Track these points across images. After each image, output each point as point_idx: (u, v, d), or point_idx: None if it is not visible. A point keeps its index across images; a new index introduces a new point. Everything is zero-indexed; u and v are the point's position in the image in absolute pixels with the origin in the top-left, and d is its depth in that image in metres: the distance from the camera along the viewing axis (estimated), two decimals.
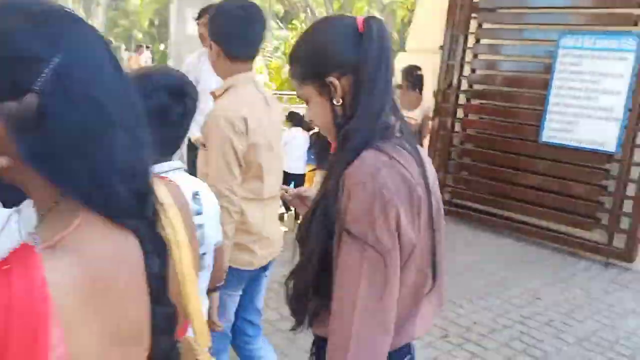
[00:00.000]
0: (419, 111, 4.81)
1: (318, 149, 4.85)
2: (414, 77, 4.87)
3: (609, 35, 4.61)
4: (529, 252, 4.95)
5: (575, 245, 4.93)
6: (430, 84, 5.72)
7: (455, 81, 5.67)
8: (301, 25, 21.35)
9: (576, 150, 4.83)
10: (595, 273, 4.56)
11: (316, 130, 5.83)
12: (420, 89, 4.90)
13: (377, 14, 23.70)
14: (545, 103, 4.98)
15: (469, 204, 5.66)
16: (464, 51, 5.64)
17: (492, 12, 5.54)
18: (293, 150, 5.06)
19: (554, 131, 4.94)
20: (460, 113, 5.76)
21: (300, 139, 5.18)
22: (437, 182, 1.18)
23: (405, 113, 4.83)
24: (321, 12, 22.32)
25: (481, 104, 5.69)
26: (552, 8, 5.06)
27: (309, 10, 20.89)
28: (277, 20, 25.10)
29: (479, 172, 5.59)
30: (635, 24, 4.49)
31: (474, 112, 5.72)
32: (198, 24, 3.77)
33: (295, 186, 5.20)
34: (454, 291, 3.93)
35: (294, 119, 5.23)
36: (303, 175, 5.23)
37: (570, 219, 4.93)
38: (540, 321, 3.57)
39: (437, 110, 5.78)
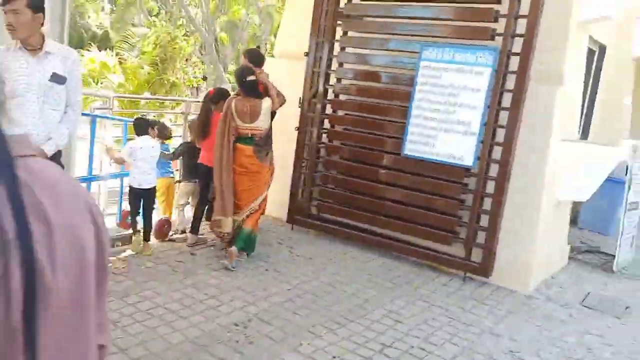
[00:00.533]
0: (263, 118, 4.45)
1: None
2: (245, 83, 4.46)
3: (467, 49, 4.63)
4: (392, 268, 4.84)
5: (436, 260, 4.91)
6: (296, 92, 5.45)
7: (321, 90, 5.45)
8: (161, 22, 20.30)
9: (436, 164, 4.82)
10: (454, 288, 4.53)
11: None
12: (256, 95, 4.46)
13: (255, 17, 23.36)
14: (407, 116, 4.92)
15: (336, 218, 5.46)
16: (329, 59, 5.44)
17: (357, 19, 5.40)
18: (141, 161, 4.44)
19: (415, 144, 4.89)
20: (327, 123, 5.55)
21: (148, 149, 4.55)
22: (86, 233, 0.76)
23: (243, 124, 4.43)
24: (197, 13, 21.44)
25: (347, 114, 5.52)
26: (416, 19, 5.01)
27: (183, 10, 19.87)
28: (150, 17, 23.75)
29: (346, 185, 5.41)
30: (492, 39, 4.55)
31: (340, 123, 5.53)
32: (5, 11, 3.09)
33: (145, 204, 4.64)
34: (315, 318, 3.65)
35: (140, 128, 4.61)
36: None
37: (431, 234, 4.90)
38: (401, 349, 3.39)
39: (303, 120, 5.52)
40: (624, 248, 5.63)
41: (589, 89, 6.71)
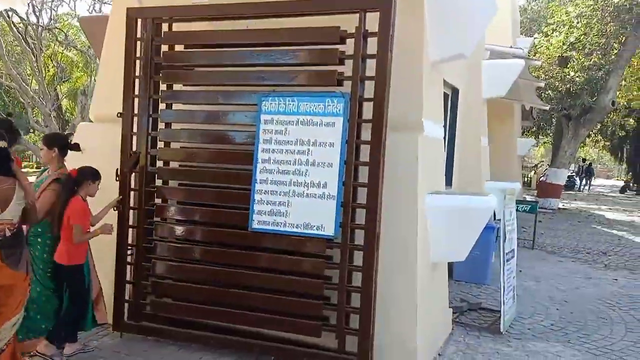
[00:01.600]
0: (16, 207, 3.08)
1: None
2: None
3: (312, 97, 3.89)
4: None
5: (306, 357, 3.94)
6: (110, 161, 4.31)
7: (143, 155, 4.35)
8: None
9: (291, 237, 3.92)
10: None
11: None
12: (5, 172, 3.05)
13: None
14: (252, 182, 4.01)
15: (178, 317, 4.29)
16: (153, 119, 4.40)
17: (181, 70, 4.46)
18: None
19: (263, 215, 3.97)
20: (158, 198, 4.45)
21: None
22: None
23: None
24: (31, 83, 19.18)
25: (180, 184, 4.48)
26: (252, 66, 4.19)
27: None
28: None
29: (184, 274, 4.29)
30: (340, 84, 3.86)
31: (172, 196, 4.44)
32: None
33: None
34: None
35: None
36: None
37: (296, 324, 3.94)
38: None
39: (124, 196, 4.36)
40: (508, 303, 5.12)
41: (447, 133, 6.38)
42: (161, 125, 4.44)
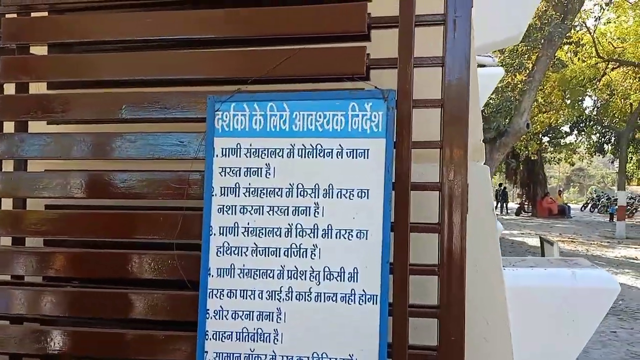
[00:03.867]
0: None
1: None
2: None
3: (322, 100, 1.98)
4: None
5: None
6: None
7: None
8: None
9: None
10: None
11: None
12: None
13: None
14: (201, 277, 2.00)
15: None
16: None
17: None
18: None
19: (229, 342, 1.96)
20: None
21: None
22: None
23: None
24: None
25: None
26: (187, 41, 2.20)
27: None
28: None
29: None
30: (367, 77, 2.01)
31: None
32: None
33: None
34: None
35: None
36: None
37: None
38: None
39: None
40: None
41: None
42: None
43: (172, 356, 1.97)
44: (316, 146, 1.94)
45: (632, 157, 32.72)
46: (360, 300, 1.91)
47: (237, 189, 1.97)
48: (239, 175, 1.98)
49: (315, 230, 1.94)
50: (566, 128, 31.89)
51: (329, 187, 1.93)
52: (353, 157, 1.92)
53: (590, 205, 36.46)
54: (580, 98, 25.12)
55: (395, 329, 1.89)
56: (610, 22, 23.21)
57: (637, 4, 19.39)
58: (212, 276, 1.97)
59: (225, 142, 1.99)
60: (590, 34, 21.29)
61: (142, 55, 2.10)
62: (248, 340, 1.95)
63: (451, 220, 1.89)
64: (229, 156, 1.99)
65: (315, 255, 1.94)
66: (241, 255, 1.97)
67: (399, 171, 1.89)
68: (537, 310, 2.53)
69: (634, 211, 32.13)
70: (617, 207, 21.78)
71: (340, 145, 1.93)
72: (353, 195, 1.92)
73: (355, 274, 1.92)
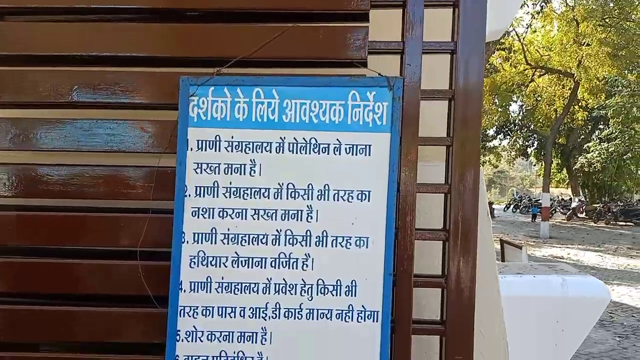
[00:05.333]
0: None
1: None
2: None
3: (316, 87, 1.72)
4: None
5: None
6: None
7: None
8: None
9: None
10: None
11: None
12: None
13: None
14: (171, 292, 1.69)
15: None
16: None
17: None
18: None
19: None
20: None
21: None
22: None
23: None
24: None
25: None
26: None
27: None
28: None
29: None
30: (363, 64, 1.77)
31: None
32: None
33: None
34: None
35: None
36: None
37: None
38: None
39: None
40: None
41: None
42: None
43: None
44: (310, 140, 1.68)
45: (551, 161, 34.60)
46: (359, 317, 1.67)
47: (216, 189, 1.68)
48: (218, 173, 1.68)
49: (308, 238, 1.68)
50: (491, 132, 33.16)
51: (324, 187, 1.68)
52: (353, 154, 1.68)
53: (512, 205, 38.15)
54: (508, 103, 26.20)
55: (398, 349, 1.67)
56: (535, 32, 24.37)
57: (564, 15, 20.43)
58: (184, 291, 1.66)
59: (201, 134, 1.69)
60: (519, 41, 22.22)
61: (100, 26, 1.75)
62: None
63: (459, 227, 1.69)
64: (205, 150, 1.68)
65: (307, 266, 1.68)
66: (220, 266, 1.67)
67: (405, 171, 1.67)
68: (526, 320, 2.40)
69: (553, 212, 34.02)
70: (540, 208, 22.87)
71: (338, 139, 1.68)
72: (352, 198, 1.68)
73: (354, 288, 1.68)
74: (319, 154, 1.68)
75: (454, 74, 1.70)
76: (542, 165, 32.00)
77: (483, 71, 1.69)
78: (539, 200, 28.73)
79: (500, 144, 36.81)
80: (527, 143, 33.23)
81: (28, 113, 1.76)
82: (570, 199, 32.64)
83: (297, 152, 1.68)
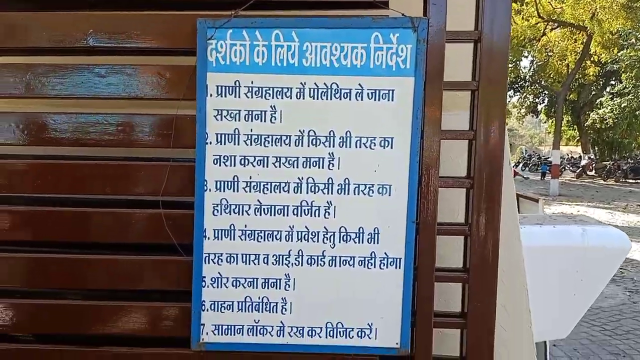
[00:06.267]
0: None
1: None
2: None
3: (337, 28, 1.66)
4: None
5: None
6: None
7: None
8: None
9: (297, 355, 1.71)
10: None
11: None
12: None
13: None
14: (195, 239, 1.69)
15: None
16: None
17: None
18: None
19: (228, 314, 1.69)
20: None
21: None
22: None
23: None
24: None
25: None
26: None
27: None
28: None
29: None
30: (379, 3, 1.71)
31: None
32: None
33: None
34: None
35: None
36: None
37: None
38: None
39: None
40: None
41: None
42: None
43: (164, 330, 1.67)
44: (331, 85, 1.64)
45: (562, 118, 34.15)
46: (382, 264, 1.67)
47: (237, 136, 1.65)
48: (239, 120, 1.65)
49: (330, 185, 1.66)
50: None
51: (346, 134, 1.65)
52: (375, 99, 1.64)
53: (521, 164, 37.91)
54: (519, 58, 25.68)
55: (421, 295, 1.67)
56: None
57: None
58: (208, 239, 1.66)
59: (220, 79, 1.64)
60: None
61: None
62: (252, 311, 1.68)
63: (484, 174, 1.66)
64: (225, 96, 1.65)
65: (329, 213, 1.66)
66: (242, 214, 1.66)
67: (429, 117, 1.63)
68: (546, 270, 2.40)
69: (563, 170, 33.81)
70: (549, 166, 22.71)
71: (360, 84, 1.64)
72: (374, 145, 1.65)
73: (376, 235, 1.67)
74: (340, 99, 1.64)
75: (480, 14, 1.64)
76: (552, 122, 31.65)
77: (511, 10, 1.63)
78: (549, 158, 28.55)
79: (509, 101, 36.33)
80: (537, 100, 32.74)
81: (41, 60, 1.72)
82: (580, 156, 32.41)
83: (317, 98, 1.64)
